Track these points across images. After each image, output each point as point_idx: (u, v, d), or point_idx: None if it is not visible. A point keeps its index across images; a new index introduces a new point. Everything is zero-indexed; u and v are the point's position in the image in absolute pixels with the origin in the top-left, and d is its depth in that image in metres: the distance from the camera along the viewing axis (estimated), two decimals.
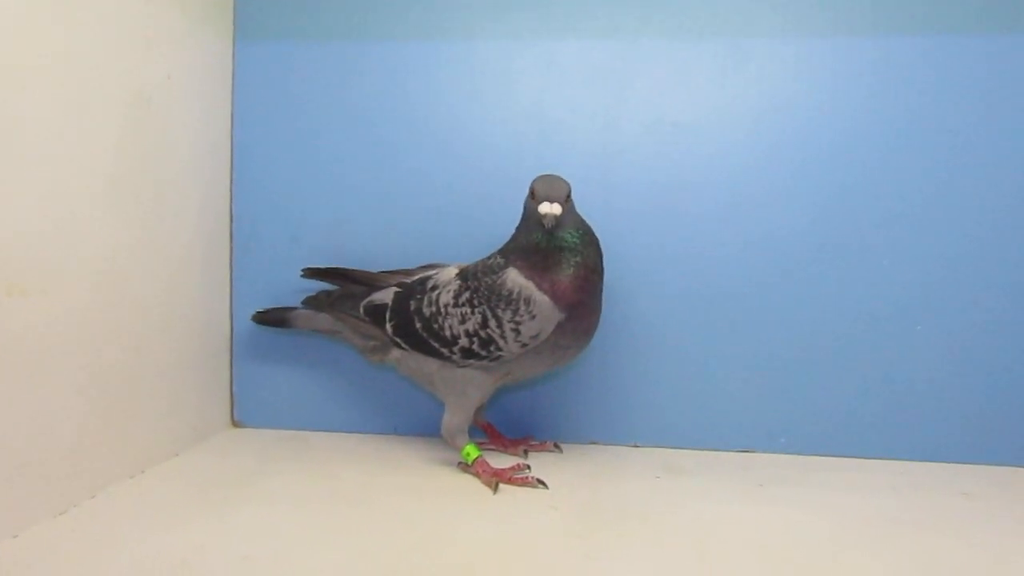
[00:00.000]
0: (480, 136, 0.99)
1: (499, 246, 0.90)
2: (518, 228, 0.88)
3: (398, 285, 0.91)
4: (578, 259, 0.82)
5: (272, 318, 0.98)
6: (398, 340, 0.89)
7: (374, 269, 0.96)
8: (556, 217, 0.80)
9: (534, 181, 0.84)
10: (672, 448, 0.98)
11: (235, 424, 1.04)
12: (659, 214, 0.97)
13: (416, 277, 0.91)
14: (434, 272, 0.91)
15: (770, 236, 0.95)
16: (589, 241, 0.85)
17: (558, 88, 0.98)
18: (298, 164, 1.00)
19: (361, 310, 0.91)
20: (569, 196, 0.84)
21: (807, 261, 0.94)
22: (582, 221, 0.87)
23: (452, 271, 0.90)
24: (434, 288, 0.88)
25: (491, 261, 0.87)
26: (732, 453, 0.97)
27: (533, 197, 0.83)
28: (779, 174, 0.94)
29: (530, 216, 0.84)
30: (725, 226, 0.96)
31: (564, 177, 0.84)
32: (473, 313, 0.83)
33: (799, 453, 0.95)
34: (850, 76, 0.92)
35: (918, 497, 0.82)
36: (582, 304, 0.83)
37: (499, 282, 0.83)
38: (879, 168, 0.91)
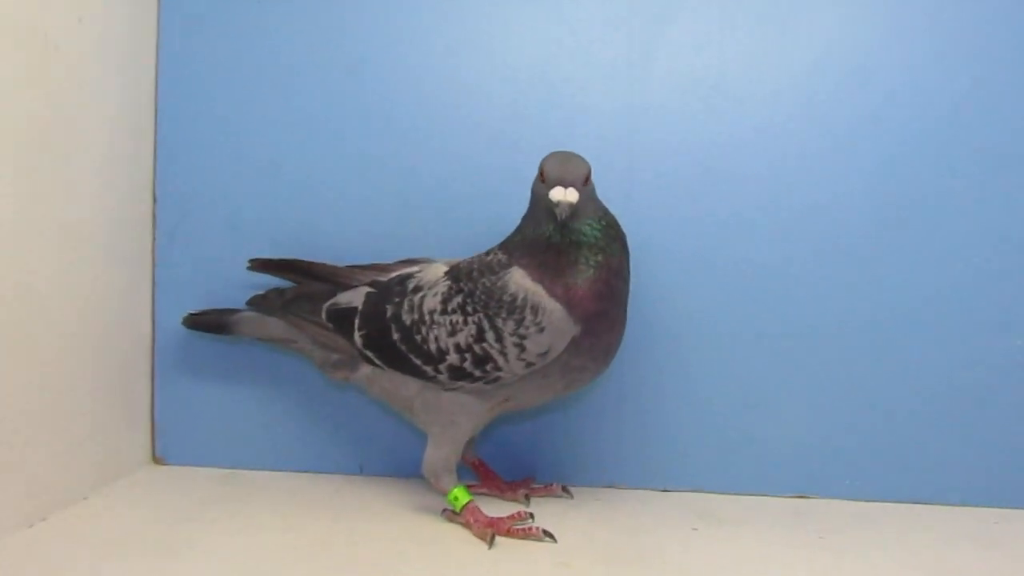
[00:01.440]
0: (473, 99, 0.98)
1: (500, 239, 0.89)
2: (525, 218, 0.88)
3: (371, 284, 0.90)
4: (599, 258, 0.82)
5: (208, 323, 0.96)
6: (369, 354, 0.88)
7: (340, 263, 0.94)
8: (571, 205, 0.79)
9: (544, 160, 0.83)
10: (711, 493, 0.97)
11: (157, 460, 1.02)
12: (694, 202, 0.97)
13: (394, 275, 0.90)
14: (417, 269, 0.90)
15: (831, 231, 0.94)
16: (613, 236, 0.84)
17: (571, 40, 0.97)
18: (240, 131, 0.98)
19: (323, 314, 0.90)
20: (588, 179, 0.83)
21: (874, 263, 0.94)
22: (605, 210, 0.86)
23: (440, 269, 0.89)
24: (417, 290, 0.87)
25: (490, 258, 0.86)
26: (784, 499, 0.96)
27: (543, 180, 0.82)
28: (838, 148, 0.95)
29: (539, 203, 0.83)
30: (775, 217, 0.96)
31: (581, 155, 0.84)
32: (466, 323, 0.82)
33: (867, 499, 0.95)
34: (917, 29, 0.93)
35: (1020, 549, 0.81)
36: (603, 315, 0.82)
37: (500, 284, 0.83)
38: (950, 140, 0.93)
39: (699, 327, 0.97)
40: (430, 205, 0.99)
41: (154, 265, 1.00)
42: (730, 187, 0.97)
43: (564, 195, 0.79)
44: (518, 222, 0.88)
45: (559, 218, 0.79)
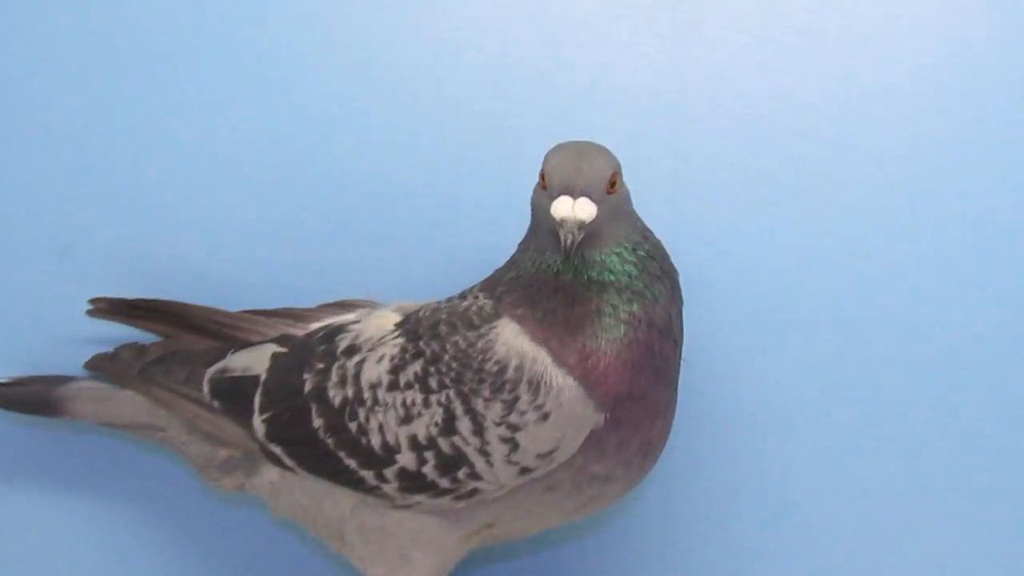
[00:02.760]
0: (443, 57, 0.96)
1: (486, 271, 0.84)
2: (522, 244, 0.83)
3: (280, 341, 0.86)
4: (634, 308, 0.75)
5: (26, 399, 0.91)
6: (276, 450, 0.83)
7: (232, 306, 0.90)
8: (583, 225, 0.73)
9: (547, 156, 0.77)
10: None
11: None
12: (768, 213, 0.95)
13: (317, 327, 0.87)
14: (353, 319, 0.86)
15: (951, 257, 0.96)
16: (657, 272, 0.78)
17: None
18: (81, 120, 0.96)
19: (205, 386, 0.85)
20: (615, 182, 0.77)
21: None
22: (644, 231, 0.81)
23: (389, 319, 0.84)
24: (352, 351, 0.82)
25: (468, 304, 0.81)
26: None
27: (544, 186, 0.77)
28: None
29: (540, 222, 0.79)
30: (886, 232, 0.96)
31: (603, 146, 0.79)
32: (428, 404, 0.77)
33: None
34: None
35: None
36: (640, 397, 0.76)
37: (482, 346, 0.77)
38: None
39: (778, 397, 0.96)
40: (375, 218, 0.97)
41: None
42: (823, 182, 0.96)
43: (573, 210, 0.73)
44: (515, 251, 0.84)
45: (565, 246, 0.73)
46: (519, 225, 0.85)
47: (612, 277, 0.79)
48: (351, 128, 0.99)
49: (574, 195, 0.76)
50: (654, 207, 0.86)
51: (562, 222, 0.75)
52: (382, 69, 0.99)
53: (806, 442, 0.98)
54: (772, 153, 0.98)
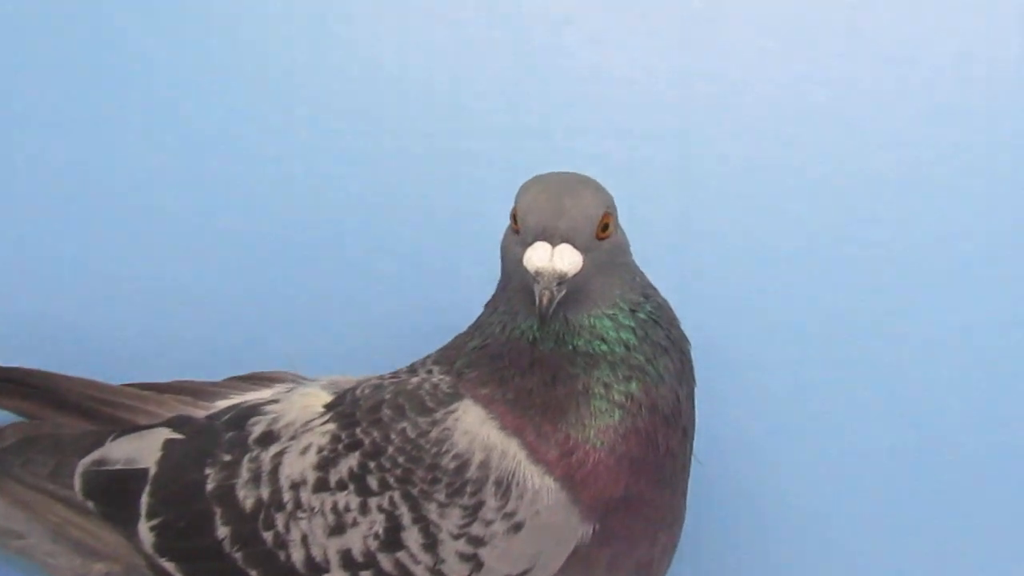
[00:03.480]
0: (397, 59, 0.98)
1: (439, 340, 0.83)
2: (490, 303, 0.81)
3: (174, 424, 0.83)
4: (632, 387, 0.75)
5: None
6: (169, 566, 0.80)
7: (113, 378, 0.88)
8: (565, 279, 0.72)
9: (520, 191, 0.77)
10: None
11: None
12: (795, 242, 0.98)
13: (223, 407, 0.84)
14: (270, 397, 0.83)
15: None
16: (661, 342, 0.77)
17: None
18: None
19: (77, 483, 0.82)
20: (608, 225, 0.75)
21: None
22: (643, 287, 0.79)
23: (316, 398, 0.82)
24: (269, 439, 0.79)
25: (418, 381, 0.79)
26: None
27: (516, 228, 0.75)
28: None
29: (511, 275, 0.77)
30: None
31: (592, 179, 0.78)
32: (367, 509, 0.75)
33: None
34: None
35: None
36: (639, 502, 0.76)
37: (436, 434, 0.76)
38: None
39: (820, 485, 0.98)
40: (299, 268, 0.97)
41: None
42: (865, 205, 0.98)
43: (552, 260, 0.72)
44: (482, 311, 0.83)
45: (541, 306, 0.72)
46: (486, 279, 0.83)
47: (604, 347, 0.75)
48: (273, 161, 1.00)
49: (553, 241, 0.73)
50: (660, 260, 0.86)
51: (538, 275, 0.72)
52: (307, 116, 1.01)
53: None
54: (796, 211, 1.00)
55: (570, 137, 0.99)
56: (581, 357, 0.75)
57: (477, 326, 0.80)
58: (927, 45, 1.01)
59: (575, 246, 0.73)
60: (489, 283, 0.82)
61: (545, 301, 0.72)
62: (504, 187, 0.81)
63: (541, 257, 0.73)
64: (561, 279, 0.72)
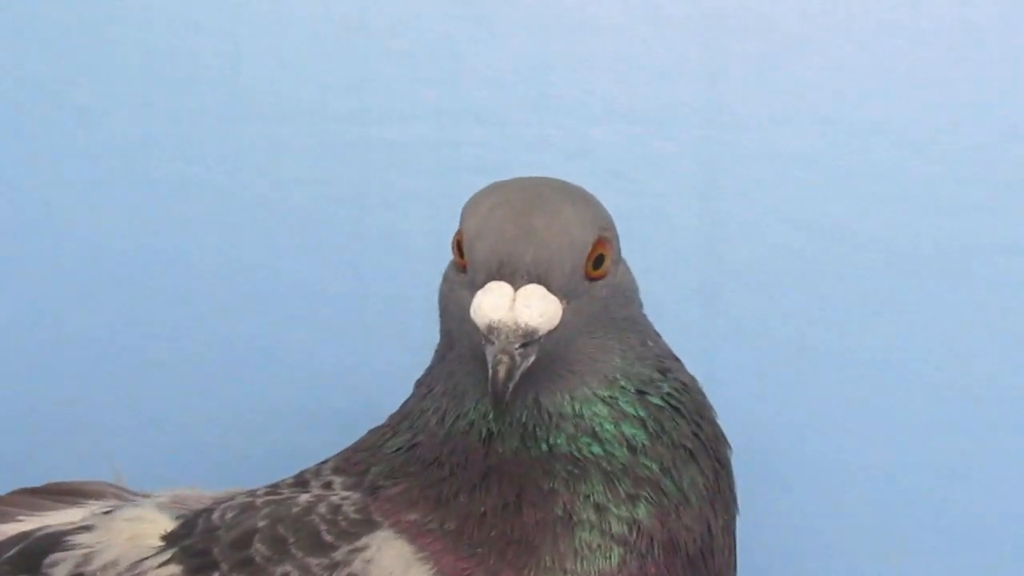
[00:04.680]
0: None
1: (342, 437, 0.73)
2: (423, 379, 0.69)
3: None
4: (639, 512, 0.63)
5: None
6: None
7: None
8: (530, 337, 0.59)
9: (467, 207, 0.65)
10: None
11: None
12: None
13: (10, 535, 0.72)
14: (77, 523, 0.71)
15: None
16: (684, 440, 0.64)
17: None
18: None
19: None
20: (603, 257, 0.63)
21: None
22: (657, 354, 0.66)
23: (150, 524, 0.69)
24: None
25: (310, 501, 0.66)
26: None
27: (462, 262, 0.64)
28: None
29: (455, 333, 0.66)
30: None
31: (576, 187, 0.67)
32: None
33: None
34: None
35: None
36: None
37: None
38: None
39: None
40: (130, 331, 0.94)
41: None
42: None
43: (514, 309, 0.59)
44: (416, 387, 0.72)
45: (496, 382, 0.57)
46: (420, 339, 0.70)
47: (597, 449, 0.61)
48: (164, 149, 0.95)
49: (516, 280, 0.59)
50: (683, 310, 0.86)
51: (491, 332, 0.57)
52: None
53: None
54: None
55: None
56: (561, 464, 0.61)
57: (403, 415, 0.65)
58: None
59: (550, 288, 0.58)
60: (421, 349, 0.68)
61: (502, 373, 0.56)
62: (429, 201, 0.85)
63: (496, 305, 0.58)
64: (528, 338, 0.57)
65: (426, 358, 0.70)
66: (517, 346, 0.56)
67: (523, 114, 0.91)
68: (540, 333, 0.57)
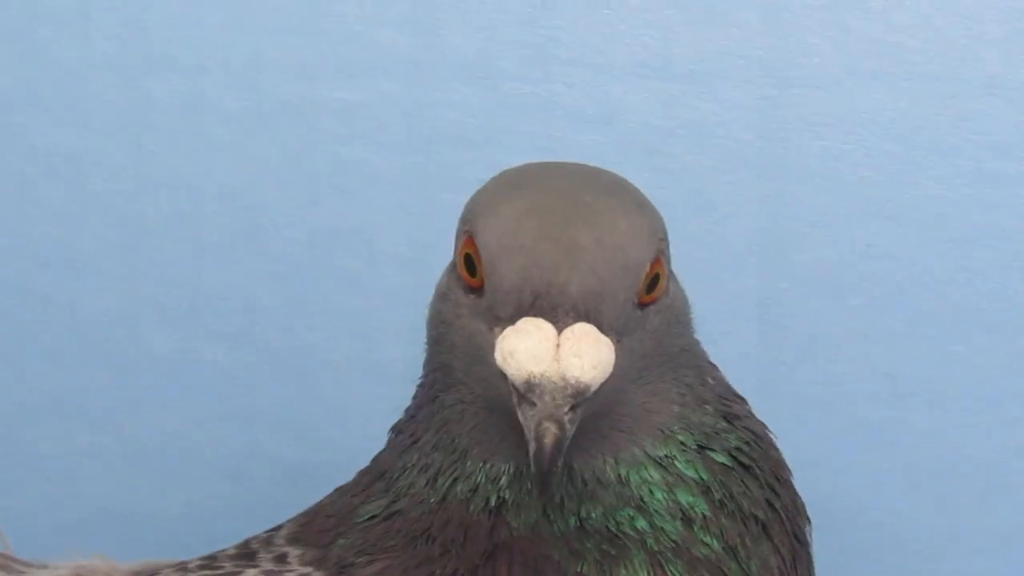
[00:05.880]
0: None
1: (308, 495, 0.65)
2: (406, 424, 0.58)
3: None
4: None
5: None
6: None
7: None
8: (580, 395, 0.48)
9: (479, 206, 0.53)
10: None
11: None
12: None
13: None
14: None
15: None
16: (751, 510, 0.54)
17: None
18: None
19: None
20: (658, 277, 0.52)
21: None
22: (719, 392, 0.57)
23: None
24: None
25: None
26: None
27: (475, 282, 0.52)
28: None
29: (461, 372, 0.54)
30: None
31: (623, 181, 0.55)
32: None
33: None
34: None
35: None
36: None
37: None
38: None
39: None
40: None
41: None
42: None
43: (560, 359, 0.48)
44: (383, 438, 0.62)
45: (540, 459, 0.46)
46: (396, 370, 0.70)
47: (642, 523, 0.52)
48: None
49: (557, 318, 0.49)
50: (741, 331, 0.81)
51: (531, 390, 0.47)
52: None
53: None
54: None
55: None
56: (593, 543, 0.51)
57: (376, 473, 0.56)
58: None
59: (601, 326, 0.48)
60: (401, 387, 0.58)
61: (549, 446, 0.46)
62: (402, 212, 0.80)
63: (537, 354, 0.48)
64: (578, 397, 0.47)
65: (403, 395, 0.58)
66: (566, 410, 0.47)
67: (520, 67, 0.82)
68: (593, 389, 0.47)
